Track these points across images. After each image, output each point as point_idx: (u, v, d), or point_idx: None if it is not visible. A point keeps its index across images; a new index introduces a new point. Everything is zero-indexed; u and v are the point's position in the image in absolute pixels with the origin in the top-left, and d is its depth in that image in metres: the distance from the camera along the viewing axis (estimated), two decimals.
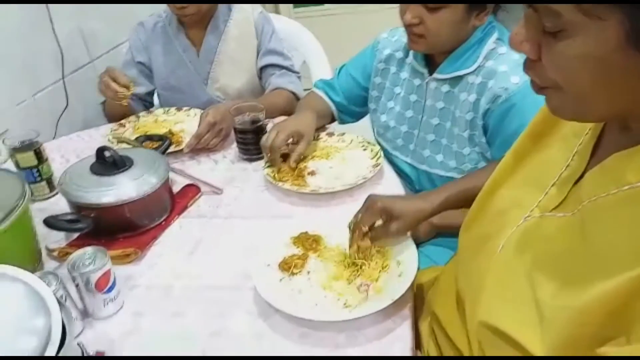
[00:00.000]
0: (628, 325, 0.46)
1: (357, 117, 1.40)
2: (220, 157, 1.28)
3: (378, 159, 1.17)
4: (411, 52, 1.18)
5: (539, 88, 0.54)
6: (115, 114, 1.46)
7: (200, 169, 1.23)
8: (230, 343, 0.76)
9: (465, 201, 0.81)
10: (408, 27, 1.05)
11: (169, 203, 1.07)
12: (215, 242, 0.99)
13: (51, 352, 0.63)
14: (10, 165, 1.11)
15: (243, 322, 0.80)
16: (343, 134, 1.30)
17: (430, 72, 1.13)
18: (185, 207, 1.09)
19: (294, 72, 1.58)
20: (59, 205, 1.07)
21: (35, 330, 0.64)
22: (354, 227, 0.87)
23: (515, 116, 1.00)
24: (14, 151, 1.09)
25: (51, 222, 0.91)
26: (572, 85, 0.49)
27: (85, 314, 0.81)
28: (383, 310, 0.76)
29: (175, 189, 1.13)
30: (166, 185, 1.06)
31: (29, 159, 1.10)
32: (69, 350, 0.66)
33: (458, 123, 1.10)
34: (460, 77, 1.08)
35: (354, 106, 1.35)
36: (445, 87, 1.11)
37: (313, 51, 1.80)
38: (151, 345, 0.70)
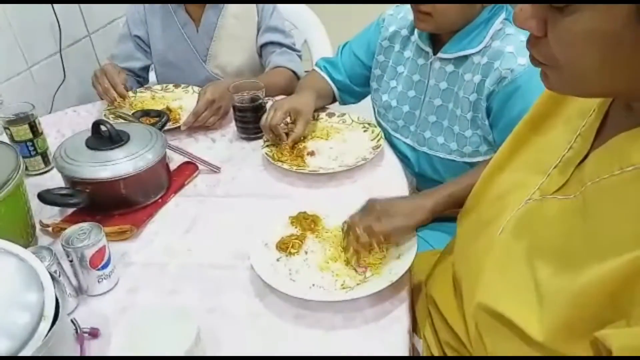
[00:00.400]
0: (628, 308, 0.45)
1: (358, 97, 1.38)
2: (219, 136, 1.26)
3: (378, 140, 1.16)
4: (416, 30, 1.16)
5: (538, 63, 0.52)
6: None
7: (198, 147, 1.21)
8: (226, 322, 0.75)
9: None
10: (415, 4, 1.02)
11: (166, 180, 1.06)
12: (212, 221, 0.98)
13: (44, 327, 0.62)
14: (5, 139, 1.09)
15: (239, 301, 0.79)
16: (343, 114, 1.28)
17: (435, 52, 1.11)
18: (182, 185, 1.08)
19: (295, 50, 1.55)
20: (54, 180, 1.06)
21: (28, 305, 0.63)
22: (348, 228, 0.83)
23: (519, 99, 0.98)
24: (9, 124, 1.07)
25: (45, 196, 0.90)
26: (576, 62, 0.48)
27: (79, 290, 0.80)
28: (381, 292, 0.75)
29: (172, 166, 1.11)
30: (163, 161, 1.04)
31: (23, 132, 1.08)
32: (62, 326, 0.65)
33: (461, 104, 1.08)
34: (465, 57, 1.06)
35: (355, 85, 1.33)
36: (449, 67, 1.09)
37: (314, 30, 1.77)
38: (145, 322, 0.69)
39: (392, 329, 0.73)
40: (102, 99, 1.40)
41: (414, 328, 0.82)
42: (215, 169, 1.12)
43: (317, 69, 1.35)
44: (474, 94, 1.05)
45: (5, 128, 1.08)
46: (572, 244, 0.52)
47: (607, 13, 0.44)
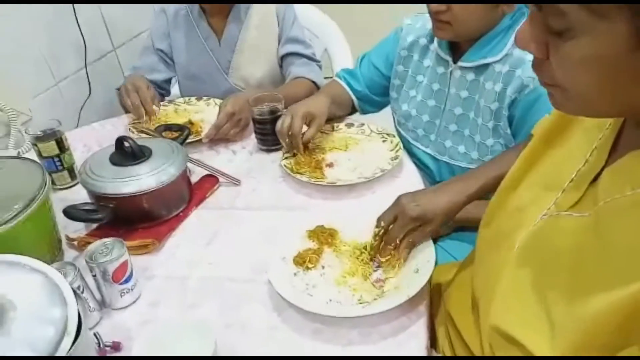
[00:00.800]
0: (638, 335, 0.44)
1: (378, 106, 1.38)
2: (239, 148, 1.28)
3: (397, 151, 1.15)
4: (436, 39, 1.15)
5: (545, 84, 0.52)
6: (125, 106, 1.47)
7: (219, 159, 1.23)
8: (244, 336, 0.76)
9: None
10: (434, 14, 1.02)
11: (187, 194, 1.08)
12: (232, 234, 0.99)
13: (67, 342, 0.64)
14: (32, 154, 1.13)
15: (257, 315, 0.79)
16: (362, 124, 1.28)
17: (455, 60, 1.10)
18: (203, 198, 1.09)
19: (315, 60, 1.56)
20: (80, 194, 1.08)
21: (52, 320, 0.65)
22: (387, 238, 0.85)
23: (541, 107, 0.97)
24: (36, 140, 1.11)
25: (70, 212, 0.92)
26: (578, 86, 0.47)
27: (102, 304, 0.82)
28: (398, 306, 0.74)
29: (194, 179, 1.13)
30: (184, 175, 1.06)
31: (50, 148, 1.11)
32: (85, 340, 0.66)
33: (482, 113, 1.06)
34: (487, 65, 1.05)
35: (375, 95, 1.33)
36: (470, 76, 1.08)
37: (335, 39, 1.77)
38: (164, 337, 0.70)
39: (410, 345, 0.73)
40: (127, 112, 1.44)
41: (434, 343, 0.81)
42: (235, 182, 1.13)
43: (336, 79, 1.36)
44: (496, 102, 1.04)
45: (33, 144, 1.12)
46: (584, 266, 0.50)
47: (607, 38, 0.43)
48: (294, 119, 1.12)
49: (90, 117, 1.59)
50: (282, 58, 1.56)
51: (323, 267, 0.85)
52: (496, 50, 1.03)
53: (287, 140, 1.14)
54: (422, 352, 0.72)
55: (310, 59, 1.55)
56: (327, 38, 1.78)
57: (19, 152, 1.21)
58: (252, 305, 0.81)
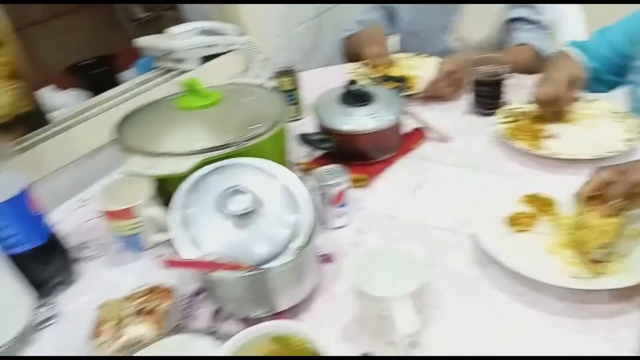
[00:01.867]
0: None
1: (610, 86, 1.25)
2: (451, 107, 1.28)
3: (635, 133, 1.03)
4: None
5: None
6: (352, 55, 1.57)
7: (431, 115, 1.24)
8: (446, 280, 0.78)
9: None
10: None
11: (398, 142, 1.13)
12: (437, 186, 1.01)
13: (298, 243, 0.74)
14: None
15: (459, 264, 0.81)
16: (594, 100, 1.17)
17: None
18: (409, 149, 1.14)
19: (545, 28, 1.46)
20: (304, 127, 1.22)
21: (288, 224, 0.76)
22: (608, 194, 0.79)
23: None
24: (277, 75, 1.27)
25: (305, 137, 1.06)
26: None
27: (320, 221, 0.93)
28: (614, 291, 0.70)
29: (405, 130, 1.17)
30: (398, 124, 1.11)
31: (287, 83, 1.27)
32: (312, 245, 0.76)
33: None
34: None
35: (609, 74, 1.20)
36: None
37: (568, 7, 1.62)
38: (378, 256, 0.75)
39: (620, 334, 0.67)
40: (352, 61, 1.54)
41: None
42: (445, 139, 1.14)
43: (570, 50, 1.25)
44: None
45: (273, 78, 1.28)
46: None
47: None
48: (559, 85, 1.09)
49: (316, 63, 1.74)
50: (508, 22, 1.49)
51: (537, 234, 0.82)
52: None
53: (556, 108, 1.11)
54: (634, 343, 0.66)
55: (539, 25, 1.45)
56: (561, 7, 1.63)
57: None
58: (455, 254, 0.83)
